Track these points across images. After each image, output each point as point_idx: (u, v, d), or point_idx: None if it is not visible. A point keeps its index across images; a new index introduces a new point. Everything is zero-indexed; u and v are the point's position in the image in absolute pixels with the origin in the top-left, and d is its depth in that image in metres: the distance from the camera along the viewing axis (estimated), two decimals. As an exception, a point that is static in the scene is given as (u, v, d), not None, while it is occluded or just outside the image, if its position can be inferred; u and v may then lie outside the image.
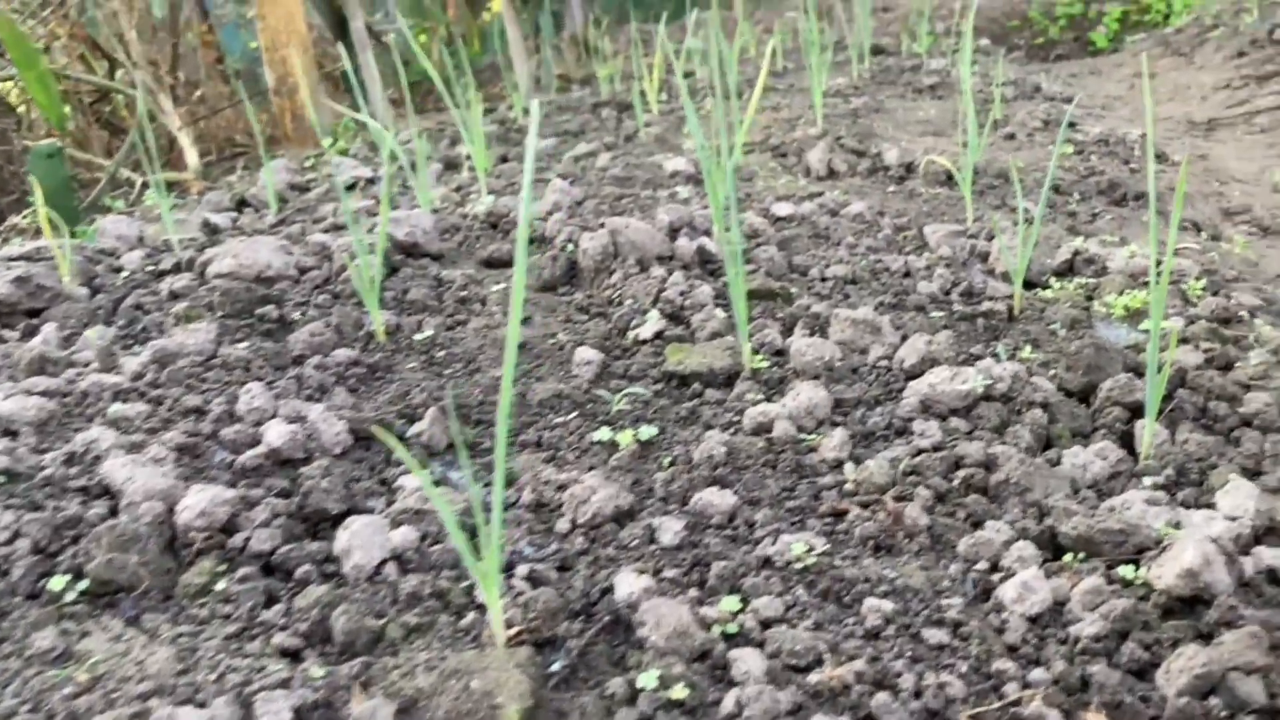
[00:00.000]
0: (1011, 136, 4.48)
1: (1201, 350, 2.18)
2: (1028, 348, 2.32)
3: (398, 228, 2.63)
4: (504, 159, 4.42)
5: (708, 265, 2.60)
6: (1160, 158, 4.22)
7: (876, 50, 7.88)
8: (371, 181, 4.00)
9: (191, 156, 4.77)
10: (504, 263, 2.74)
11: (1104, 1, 11.17)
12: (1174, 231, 1.87)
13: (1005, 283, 2.65)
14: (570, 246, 2.65)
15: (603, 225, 2.56)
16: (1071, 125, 4.77)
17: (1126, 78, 6.75)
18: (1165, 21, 10.81)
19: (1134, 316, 2.50)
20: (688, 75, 6.47)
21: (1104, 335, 2.42)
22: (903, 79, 6.36)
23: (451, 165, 4.38)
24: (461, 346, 2.17)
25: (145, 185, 4.76)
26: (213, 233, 3.19)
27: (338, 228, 3.21)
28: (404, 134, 5.22)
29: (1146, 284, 2.63)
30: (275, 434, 1.65)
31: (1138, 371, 2.07)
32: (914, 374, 2.07)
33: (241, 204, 3.80)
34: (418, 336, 2.21)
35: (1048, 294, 2.64)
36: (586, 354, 2.08)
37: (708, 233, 2.82)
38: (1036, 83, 5.88)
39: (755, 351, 2.14)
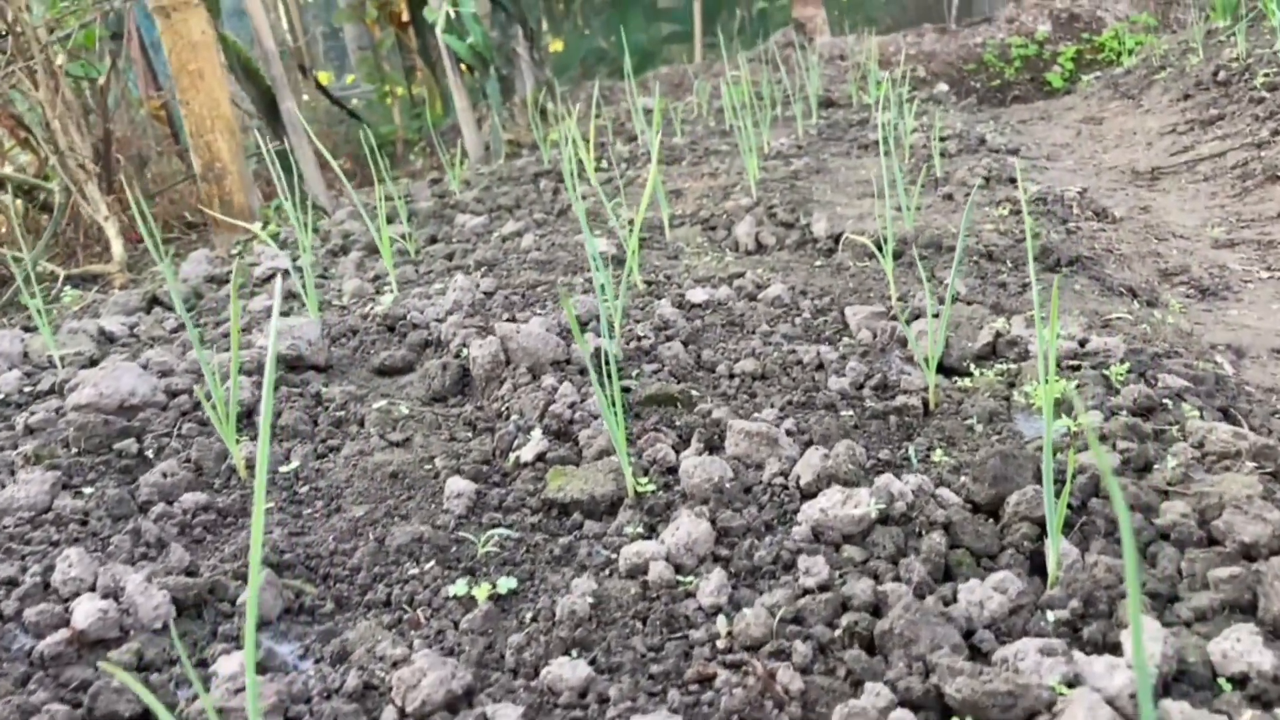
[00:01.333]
0: (949, 197, 4.35)
1: (1118, 450, 2.02)
2: (940, 450, 2.17)
3: (280, 340, 2.47)
4: (433, 239, 4.27)
5: (606, 370, 2.44)
6: (1101, 214, 4.09)
7: (826, 103, 7.81)
8: (288, 273, 3.85)
9: (117, 247, 4.62)
10: (396, 370, 2.58)
11: (1058, 42, 11.18)
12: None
13: (925, 367, 2.50)
14: (464, 351, 2.49)
15: (495, 330, 2.41)
16: (1012, 182, 4.66)
17: (1075, 124, 6.67)
18: (1118, 60, 10.82)
19: (1056, 407, 2.35)
20: (630, 140, 6.36)
21: (1023, 429, 2.27)
22: (849, 134, 6.26)
23: (376, 250, 4.23)
24: (328, 479, 2.00)
25: (69, 280, 4.60)
26: (108, 343, 3.03)
27: (239, 331, 3.05)
28: (342, 213, 5.08)
29: (1072, 367, 2.48)
30: (83, 613, 1.48)
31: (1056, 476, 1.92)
32: (810, 493, 1.91)
33: (153, 303, 3.65)
34: (283, 469, 2.04)
35: (967, 382, 2.49)
36: (459, 485, 1.92)
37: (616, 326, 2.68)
38: (981, 134, 5.78)
39: (644, 471, 1.98)
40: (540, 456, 2.02)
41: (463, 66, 7.15)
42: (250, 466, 2.05)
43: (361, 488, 1.97)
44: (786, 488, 1.93)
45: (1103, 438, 2.09)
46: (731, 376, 2.46)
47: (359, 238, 4.50)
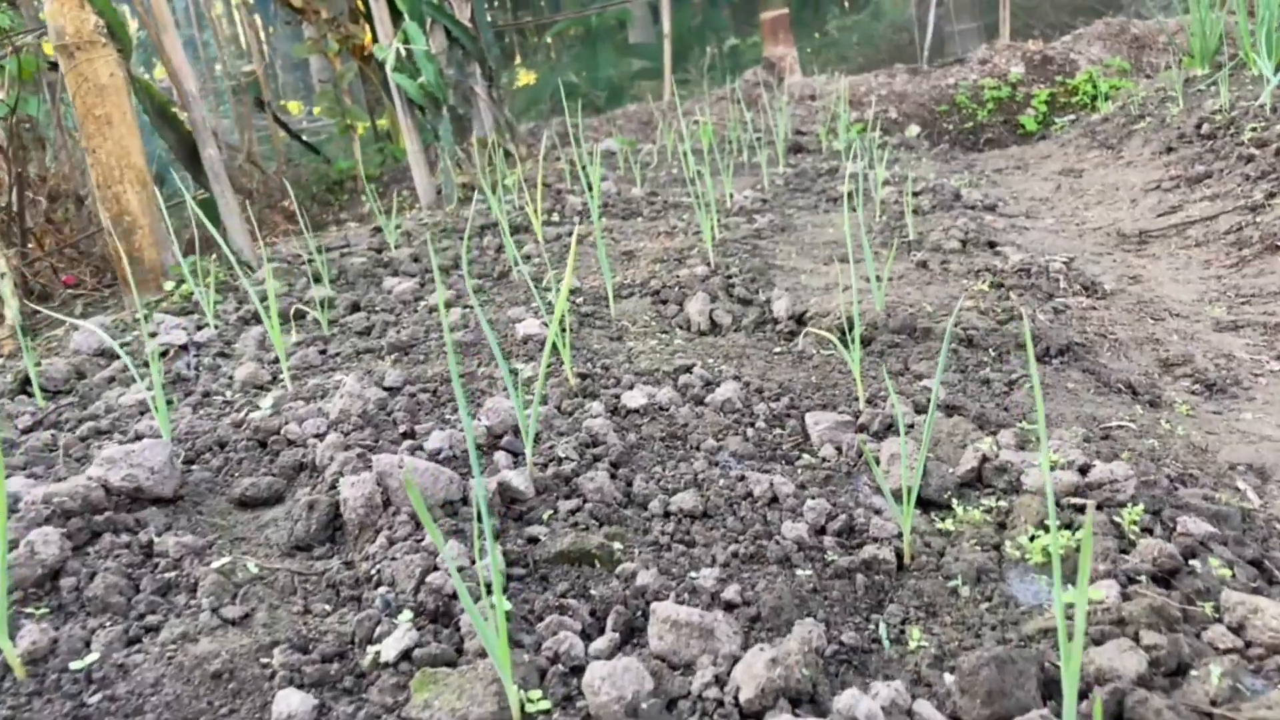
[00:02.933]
0: (924, 265, 3.92)
1: (1143, 645, 1.57)
2: (918, 626, 1.71)
3: (113, 469, 1.99)
4: (355, 306, 3.80)
5: (512, 513, 1.97)
6: (1090, 288, 3.67)
7: (795, 148, 7.40)
8: (185, 348, 3.36)
9: (10, 309, 4.11)
10: (261, 502, 2.10)
11: (1031, 84, 10.87)
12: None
13: (897, 502, 2.04)
14: (340, 482, 2.02)
15: (374, 461, 1.93)
16: (991, 246, 4.23)
17: (1053, 175, 6.27)
18: (1093, 105, 10.50)
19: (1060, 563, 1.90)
20: (587, 189, 5.91)
21: (1018, 592, 1.82)
22: (817, 185, 5.84)
23: (299, 316, 3.75)
24: (130, 682, 1.52)
25: (-46, 344, 4.09)
26: (-58, 445, 2.53)
27: (99, 434, 2.56)
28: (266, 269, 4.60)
29: (1075, 507, 2.03)
30: None
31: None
32: (752, 713, 1.44)
33: (24, 385, 3.15)
34: (75, 665, 1.56)
35: (949, 523, 2.03)
36: (292, 702, 1.44)
37: (542, 438, 2.21)
38: (956, 188, 5.36)
39: (541, 676, 1.51)
40: (406, 654, 1.54)
41: (415, 106, 6.70)
42: (38, 659, 1.57)
43: (171, 695, 1.48)
44: (722, 704, 1.46)
45: (1121, 622, 1.64)
46: (667, 515, 2.00)
47: (280, 298, 4.02)
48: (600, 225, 4.78)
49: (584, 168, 4.77)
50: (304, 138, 10.60)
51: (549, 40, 16.01)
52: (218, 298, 4.20)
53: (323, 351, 3.18)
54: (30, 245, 5.48)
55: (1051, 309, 3.36)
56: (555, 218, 5.14)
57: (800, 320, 3.19)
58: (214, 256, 5.20)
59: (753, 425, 2.42)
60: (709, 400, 2.51)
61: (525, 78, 16.28)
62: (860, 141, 7.84)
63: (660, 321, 3.30)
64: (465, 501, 1.93)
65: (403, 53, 6.60)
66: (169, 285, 4.35)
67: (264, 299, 3.96)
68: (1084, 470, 2.14)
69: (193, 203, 3.53)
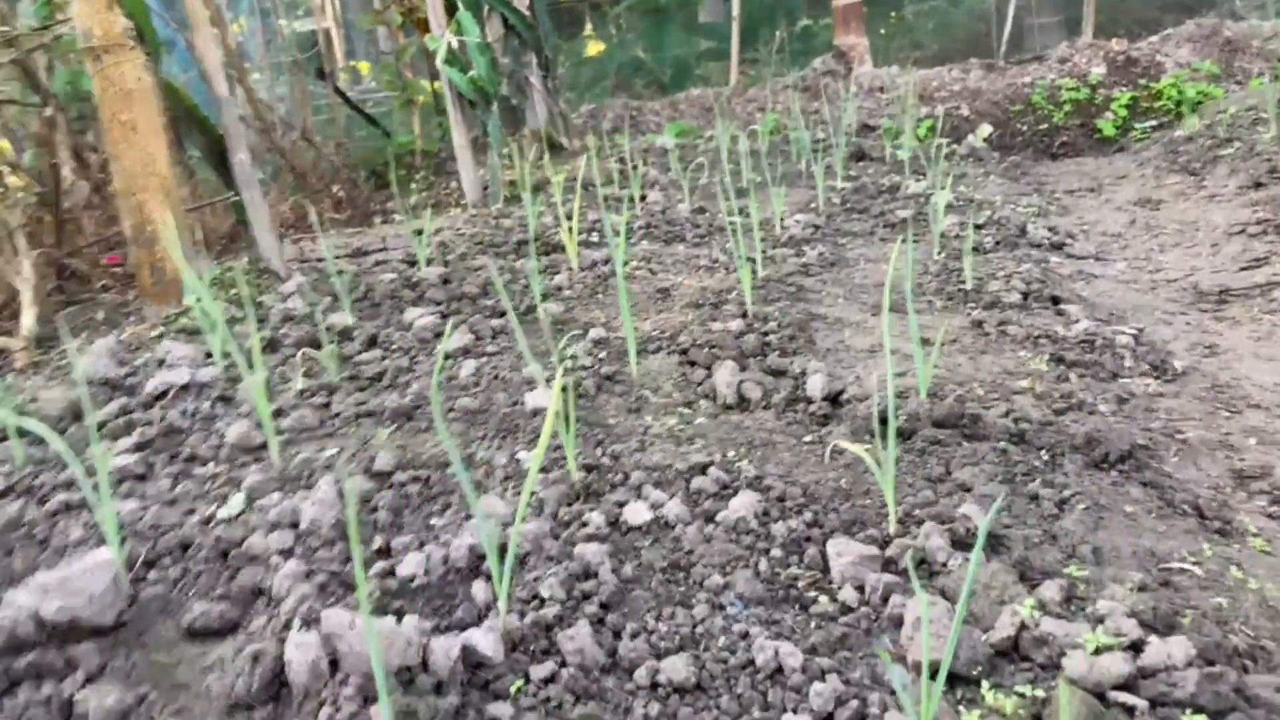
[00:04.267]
0: (979, 325, 3.60)
1: None
2: None
3: (47, 600, 1.78)
4: (372, 341, 3.58)
5: (476, 681, 1.73)
6: (1159, 368, 3.32)
7: (858, 155, 7.03)
8: (186, 388, 3.16)
9: (27, 318, 3.97)
10: (211, 633, 1.88)
11: (1112, 86, 10.33)
12: None
13: (923, 691, 1.77)
14: (296, 625, 1.79)
15: (322, 621, 1.70)
16: (1055, 302, 3.89)
17: (1128, 205, 5.84)
18: (1176, 110, 9.96)
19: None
20: (642, 199, 5.61)
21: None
22: (875, 206, 5.50)
23: (315, 346, 3.54)
24: None
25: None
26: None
27: (69, 509, 2.36)
28: (294, 281, 4.40)
29: (1123, 707, 1.74)
30: None
31: None
32: None
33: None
34: None
35: (974, 713, 1.76)
36: None
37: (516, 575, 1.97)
38: (1022, 223, 4.99)
39: None
40: None
41: (465, 100, 6.44)
42: None
43: None
44: None
45: None
46: (654, 688, 1.75)
47: (301, 321, 3.82)
48: (640, 253, 4.50)
49: (632, 173, 4.49)
50: (365, 110, 10.38)
51: (618, 13, 15.63)
52: (239, 313, 4.02)
53: (325, 405, 2.96)
54: (68, 227, 5.33)
55: (1115, 396, 3.03)
56: (595, 236, 4.87)
57: (835, 401, 2.90)
58: (245, 261, 5.02)
59: (767, 554, 2.15)
60: (720, 518, 2.25)
61: (593, 48, 15.95)
62: (926, 149, 7.45)
63: (685, 389, 3.03)
64: (425, 667, 1.69)
65: (454, 44, 6.34)
66: (190, 299, 4.17)
67: (266, 337, 3.77)
68: (1137, 649, 1.85)
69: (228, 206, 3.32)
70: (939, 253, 4.55)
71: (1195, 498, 2.56)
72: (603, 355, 3.26)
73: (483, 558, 2.04)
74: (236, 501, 2.26)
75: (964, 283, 4.08)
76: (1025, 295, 3.91)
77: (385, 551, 2.07)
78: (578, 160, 7.36)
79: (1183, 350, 3.56)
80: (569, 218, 4.41)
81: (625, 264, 4.29)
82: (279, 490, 2.35)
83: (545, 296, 3.95)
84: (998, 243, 4.69)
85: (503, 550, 2.04)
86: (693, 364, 3.18)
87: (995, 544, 2.21)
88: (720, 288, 3.90)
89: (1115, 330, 3.47)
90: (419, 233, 4.82)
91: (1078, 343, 3.37)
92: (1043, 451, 2.67)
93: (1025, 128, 10.17)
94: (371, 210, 7.11)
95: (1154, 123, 9.93)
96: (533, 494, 2.29)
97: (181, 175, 4.70)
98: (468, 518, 2.21)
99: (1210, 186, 5.80)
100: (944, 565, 2.12)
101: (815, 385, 2.91)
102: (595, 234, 4.90)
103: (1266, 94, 6.74)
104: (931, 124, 10.23)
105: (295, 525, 2.14)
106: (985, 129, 10.19)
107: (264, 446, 2.68)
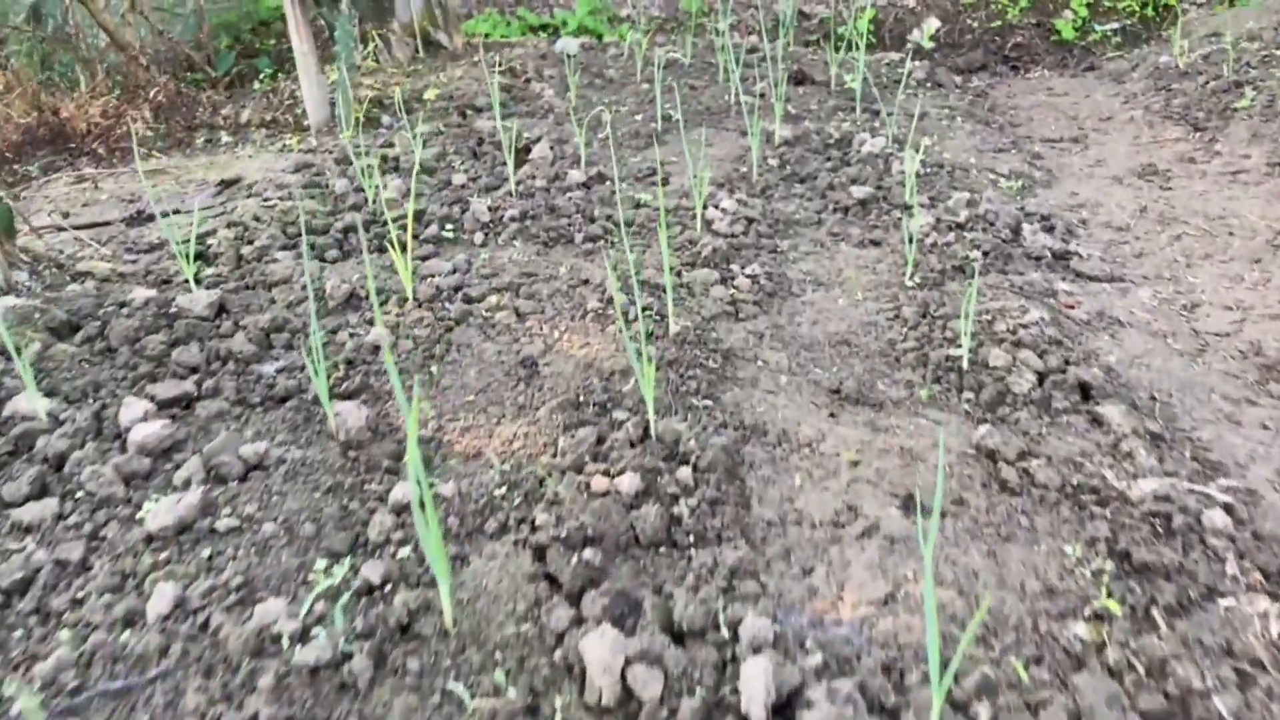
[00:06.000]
0: (991, 459, 2.32)
1: None
2: None
3: None
4: (43, 488, 2.17)
5: None
6: (1269, 574, 2.09)
7: (797, 79, 5.57)
8: None
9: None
10: None
11: (1072, -19, 8.91)
12: None
13: None
14: None
15: None
16: (1084, 394, 2.63)
17: (1128, 175, 4.53)
18: (1141, 13, 8.62)
19: None
20: (524, 153, 4.12)
21: None
22: (823, 173, 4.13)
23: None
24: None
25: None
26: None
27: None
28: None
29: None
30: None
31: None
32: None
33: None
34: None
35: None
36: None
37: None
38: (1014, 217, 3.68)
39: None
40: None
41: (303, -7, 4.79)
42: None
43: None
44: None
45: None
46: None
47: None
48: (506, 268, 3.08)
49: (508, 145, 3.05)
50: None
51: None
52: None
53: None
54: None
55: (1219, 646, 1.81)
56: (449, 228, 3.42)
57: (782, 712, 1.62)
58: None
59: None
60: None
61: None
62: (876, 69, 6.01)
63: (533, 659, 1.71)
64: None
65: (288, -81, 4.66)
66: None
67: None
68: None
69: None
70: (913, 275, 3.23)
71: None
72: (407, 552, 1.91)
73: None
74: None
75: (955, 345, 2.78)
76: (1042, 378, 2.64)
77: None
78: (457, 66, 5.75)
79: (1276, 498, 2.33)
80: (413, 198, 2.96)
81: (480, 300, 2.88)
82: None
83: (346, 373, 2.54)
84: (987, 255, 3.38)
85: None
86: (553, 582, 1.85)
87: None
88: (611, 360, 2.54)
89: (1197, 497, 2.21)
90: (271, 131, 3.33)
91: (1146, 517, 2.12)
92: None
93: (976, 24, 8.76)
94: (197, 121, 5.46)
95: (1115, 25, 8.59)
96: None
97: None
98: None
99: (1226, 153, 4.52)
100: None
101: (753, 689, 1.61)
102: (451, 224, 3.45)
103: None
104: (874, 14, 8.75)
105: None
106: (932, 24, 8.73)
107: None
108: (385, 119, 4.99)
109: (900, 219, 3.75)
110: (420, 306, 2.82)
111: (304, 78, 4.91)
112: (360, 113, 4.94)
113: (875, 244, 3.56)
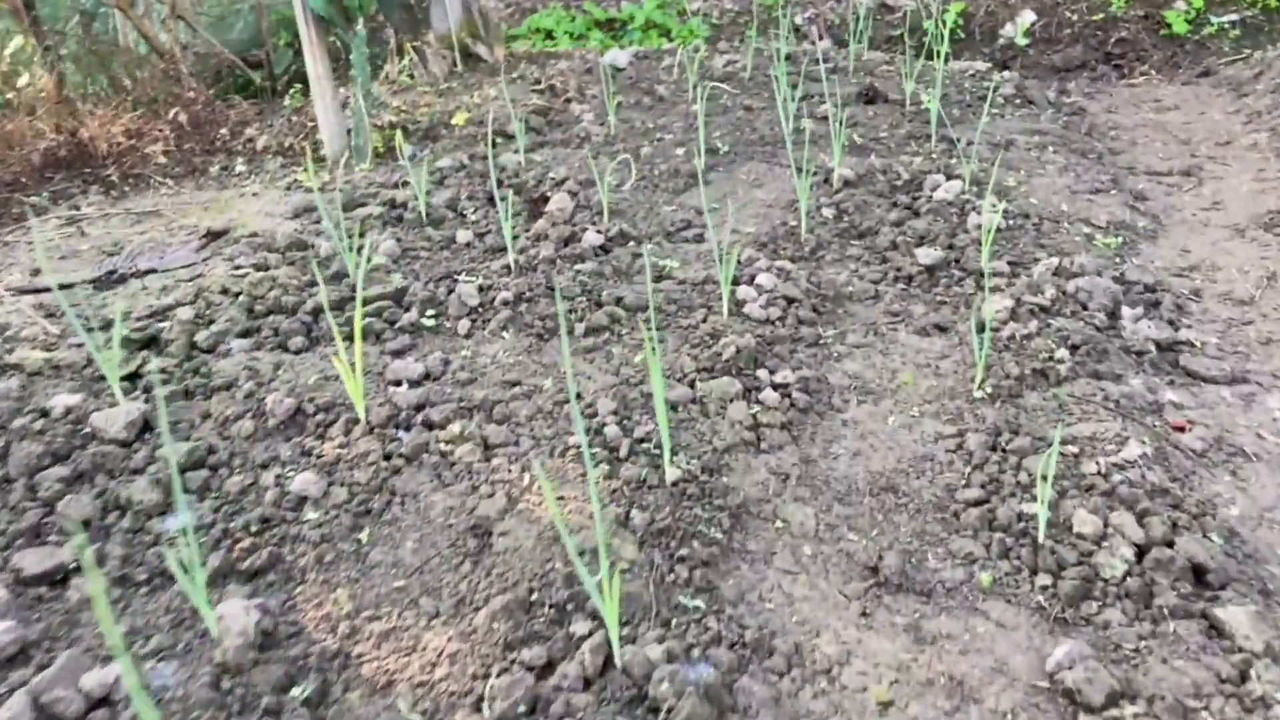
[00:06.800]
0: (1075, 701, 1.70)
1: None
2: None
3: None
4: None
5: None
6: None
7: (867, 97, 4.89)
8: None
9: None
10: None
11: (1186, -32, 7.99)
12: None
13: None
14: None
15: None
16: (1200, 578, 1.97)
17: (1251, 223, 3.76)
18: (1264, 3, 7.64)
19: None
20: (541, 204, 3.55)
21: None
22: (885, 226, 3.49)
23: None
24: None
25: None
26: None
27: None
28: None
29: None
30: None
31: None
32: None
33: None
34: None
35: None
36: None
37: None
38: (1113, 298, 2.98)
39: None
40: None
41: (321, 18, 4.27)
42: None
43: None
44: None
45: None
46: None
47: None
48: (481, 377, 2.52)
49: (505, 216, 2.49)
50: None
51: None
52: None
53: None
54: None
55: None
56: (430, 316, 2.87)
57: None
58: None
59: None
60: None
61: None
62: (958, 81, 5.28)
63: None
64: None
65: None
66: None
67: None
68: None
69: None
70: (983, 383, 2.59)
71: None
72: None
73: None
74: None
75: (1030, 496, 2.15)
76: (1141, 554, 2.00)
77: None
78: (495, 82, 5.19)
79: None
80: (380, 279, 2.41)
81: (443, 425, 2.33)
82: None
83: (257, 538, 2.02)
84: (1076, 350, 2.70)
85: None
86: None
87: None
88: (585, 532, 1.98)
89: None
90: (287, 161, 2.87)
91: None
92: None
93: (1075, 17, 7.89)
94: (216, 144, 5.01)
95: (1234, 17, 7.63)
96: None
97: None
98: None
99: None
100: None
101: None
102: (434, 309, 2.89)
103: None
104: (964, 7, 7.93)
105: None
106: (1027, 17, 7.89)
107: None
108: (408, 148, 4.47)
109: (973, 293, 3.08)
110: (372, 433, 2.29)
111: (319, 105, 4.41)
112: (380, 143, 4.42)
113: (941, 330, 2.91)
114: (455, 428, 2.27)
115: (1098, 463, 2.26)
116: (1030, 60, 7.47)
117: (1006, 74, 5.57)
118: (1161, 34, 7.52)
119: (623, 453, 2.20)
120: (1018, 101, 5.06)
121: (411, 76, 5.35)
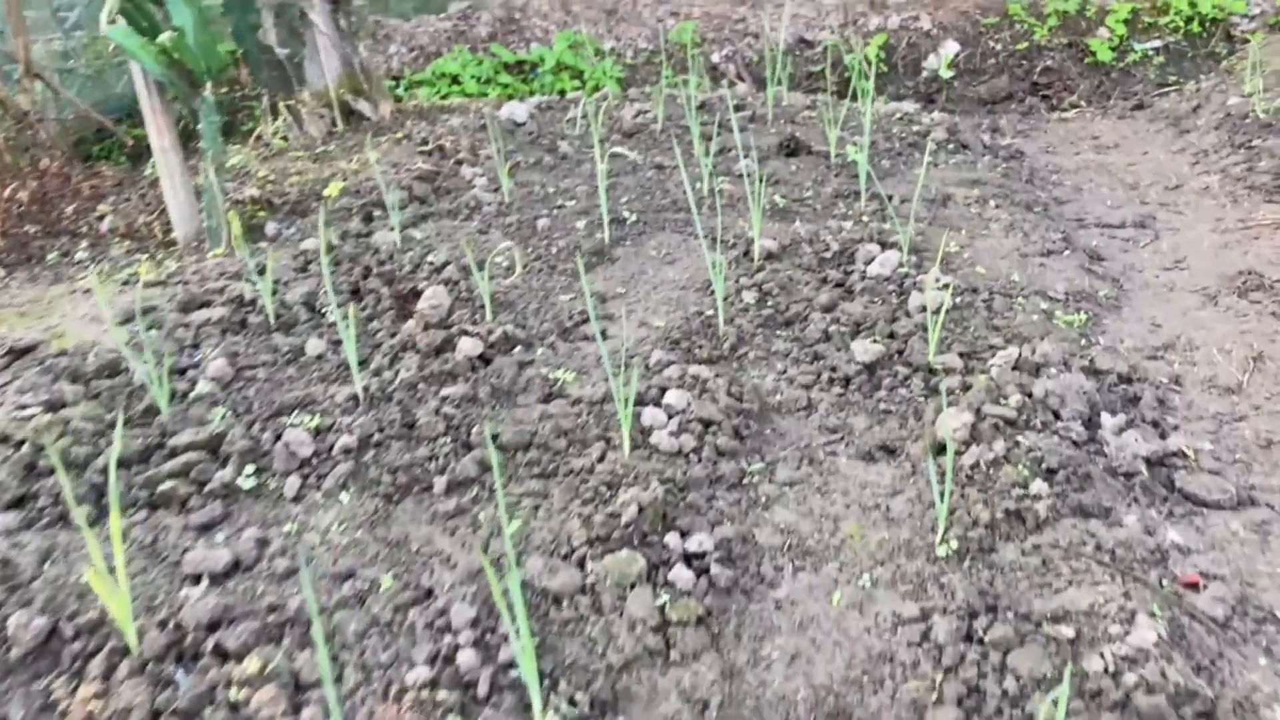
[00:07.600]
0: None
1: None
2: None
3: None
4: None
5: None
6: None
7: (789, 149, 4.35)
8: None
9: None
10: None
11: (1107, -5, 7.72)
12: None
13: None
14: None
15: None
16: None
17: (1223, 286, 3.27)
18: (1186, 29, 7.34)
19: None
20: (409, 299, 2.92)
21: None
22: (814, 311, 2.92)
23: None
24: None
25: None
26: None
27: None
28: None
29: None
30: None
31: None
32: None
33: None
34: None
35: None
36: None
37: None
38: (1089, 402, 2.45)
39: None
40: None
41: (161, 85, 3.62)
42: None
43: None
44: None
45: None
46: None
47: None
48: (320, 564, 1.89)
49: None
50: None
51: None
52: None
53: None
54: None
55: None
56: (249, 473, 2.24)
57: None
58: None
59: None
60: None
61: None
62: (886, 128, 4.78)
63: None
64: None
65: (128, -13, 3.50)
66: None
67: None
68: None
69: None
70: (946, 533, 2.02)
71: None
72: None
73: None
74: None
75: (1023, 714, 1.58)
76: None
77: None
78: (379, 143, 4.56)
79: None
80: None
81: (239, 657, 1.69)
82: None
83: None
84: (1054, 476, 2.15)
85: None
86: None
87: None
88: None
89: None
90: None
91: None
92: None
93: (999, 47, 7.52)
94: (59, 225, 4.30)
95: (1158, 43, 7.31)
96: None
97: None
98: None
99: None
100: None
101: None
102: (256, 463, 2.25)
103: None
104: (885, 39, 7.50)
105: None
106: (950, 48, 7.49)
107: None
108: (272, 225, 3.82)
109: (922, 397, 2.53)
110: (141, 672, 1.65)
111: (166, 182, 3.75)
112: (240, 222, 3.76)
113: (889, 453, 2.35)
114: (255, 661, 1.64)
115: (1103, 656, 1.71)
116: (956, 93, 7.05)
117: (937, 115, 5.08)
118: (1086, 62, 7.18)
119: (481, 691, 1.59)
120: (950, 147, 4.57)
121: (285, 139, 4.71)
